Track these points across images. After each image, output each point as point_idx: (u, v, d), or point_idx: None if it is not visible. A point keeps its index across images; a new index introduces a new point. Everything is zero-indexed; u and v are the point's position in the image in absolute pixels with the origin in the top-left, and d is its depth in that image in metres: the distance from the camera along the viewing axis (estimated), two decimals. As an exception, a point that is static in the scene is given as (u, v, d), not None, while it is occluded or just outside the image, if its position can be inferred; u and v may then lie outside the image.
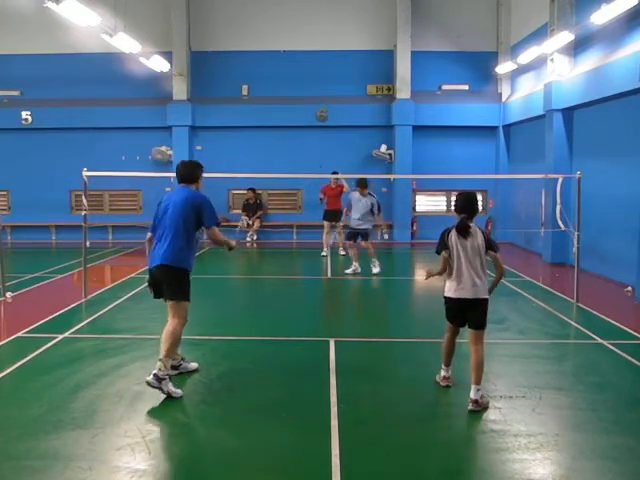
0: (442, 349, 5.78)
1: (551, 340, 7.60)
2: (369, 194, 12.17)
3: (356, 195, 12.31)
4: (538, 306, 9.38)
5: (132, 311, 8.99)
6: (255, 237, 17.92)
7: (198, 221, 5.64)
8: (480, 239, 5.33)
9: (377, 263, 12.25)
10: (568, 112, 13.44)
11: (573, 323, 8.40)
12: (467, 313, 5.41)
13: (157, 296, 5.77)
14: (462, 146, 18.08)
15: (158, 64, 16.33)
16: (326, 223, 14.65)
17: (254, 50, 18.01)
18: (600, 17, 10.51)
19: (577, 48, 13.10)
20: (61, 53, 17.63)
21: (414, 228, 18.09)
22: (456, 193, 5.57)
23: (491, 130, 18.24)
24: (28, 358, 6.51)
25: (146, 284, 5.87)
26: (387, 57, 18.07)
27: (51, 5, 10.42)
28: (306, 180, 16.63)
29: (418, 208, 18.58)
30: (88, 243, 9.85)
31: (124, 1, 14.25)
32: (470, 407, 5.16)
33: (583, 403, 5.47)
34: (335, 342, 7.18)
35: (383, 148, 17.88)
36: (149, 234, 5.98)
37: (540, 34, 14.49)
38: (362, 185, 12.14)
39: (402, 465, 4.28)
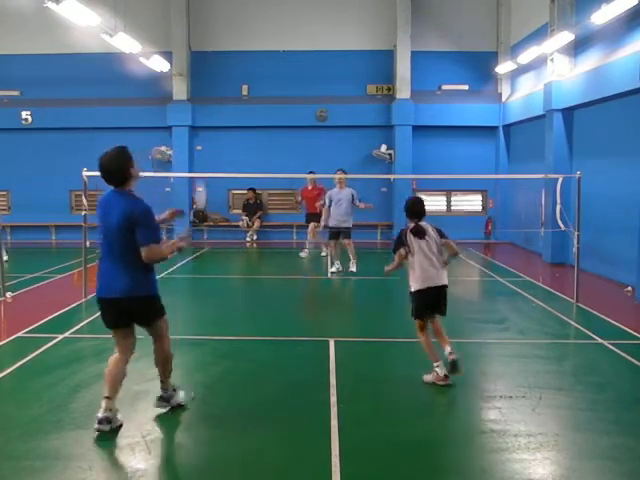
0: (425, 348, 6.00)
1: (551, 340, 7.60)
2: (346, 186, 12.32)
3: (335, 191, 12.34)
4: (538, 306, 9.37)
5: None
6: (255, 237, 17.92)
7: (133, 238, 4.56)
8: (434, 233, 5.98)
9: (355, 263, 12.31)
10: (568, 112, 13.44)
11: (573, 323, 8.40)
12: (434, 300, 5.94)
13: (112, 326, 4.86)
14: (462, 146, 18.07)
15: (158, 64, 16.33)
16: (312, 224, 14.43)
17: (254, 50, 18.00)
18: (600, 17, 10.51)
19: (577, 48, 13.10)
20: (61, 53, 17.62)
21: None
22: (408, 199, 6.19)
23: (491, 130, 18.24)
24: (28, 358, 6.51)
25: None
26: (387, 57, 18.07)
27: (51, 5, 10.42)
28: (306, 180, 16.63)
29: (418, 208, 18.54)
30: (88, 243, 9.85)
31: (124, 1, 14.24)
32: (454, 357, 5.75)
33: (583, 403, 5.47)
34: (335, 342, 7.17)
35: (383, 148, 17.88)
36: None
37: (540, 34, 14.49)
38: (342, 178, 12.17)
39: (402, 465, 4.28)
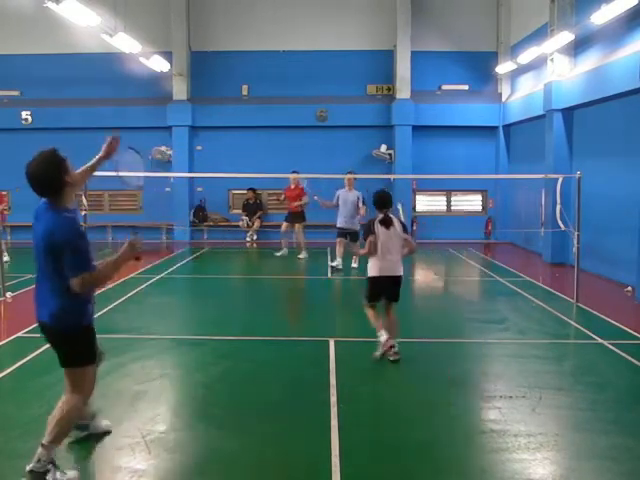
0: (370, 320, 6.63)
1: (551, 340, 7.60)
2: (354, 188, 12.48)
3: (343, 191, 12.52)
4: (538, 306, 9.37)
5: (132, 311, 9.00)
6: (255, 237, 17.92)
7: (60, 265, 3.74)
8: (398, 227, 6.53)
9: (356, 259, 12.73)
10: (568, 112, 13.45)
11: (573, 323, 8.40)
12: (389, 288, 6.53)
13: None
14: (462, 146, 18.07)
15: (158, 64, 16.34)
16: (284, 224, 14.77)
17: (254, 50, 18.00)
18: (600, 17, 10.51)
19: (577, 48, 13.11)
20: (61, 53, 17.63)
21: (414, 228, 18.07)
22: (375, 193, 6.66)
23: (491, 130, 18.24)
24: (28, 358, 6.51)
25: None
26: (387, 57, 18.07)
27: (51, 5, 10.43)
28: (305, 180, 16.63)
29: (418, 208, 18.56)
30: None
31: (124, 1, 14.25)
32: (394, 350, 6.40)
33: (583, 403, 5.47)
34: (335, 342, 7.18)
35: (383, 148, 17.88)
36: None
37: (540, 34, 14.49)
38: (350, 179, 12.31)
39: (402, 465, 4.28)
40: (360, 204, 12.33)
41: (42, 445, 3.88)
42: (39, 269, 3.91)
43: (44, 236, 3.72)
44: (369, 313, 6.70)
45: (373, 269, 6.54)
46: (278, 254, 14.79)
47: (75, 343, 3.94)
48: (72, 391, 4.01)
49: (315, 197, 13.34)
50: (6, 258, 13.07)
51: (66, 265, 3.68)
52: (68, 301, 3.83)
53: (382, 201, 6.59)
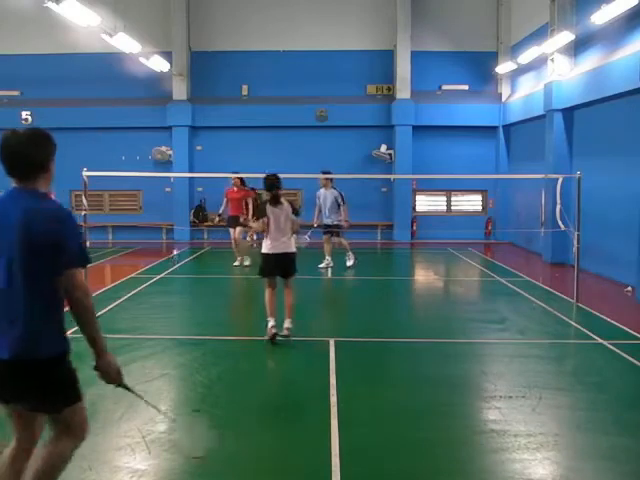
0: (266, 304, 7.09)
1: (551, 340, 7.60)
2: (332, 188, 12.52)
3: (321, 192, 12.66)
4: (538, 306, 9.37)
5: (132, 311, 8.99)
6: (255, 237, 17.89)
7: (54, 260, 2.84)
8: (288, 208, 7.15)
9: (351, 255, 12.78)
10: (568, 112, 13.44)
11: (573, 323, 8.40)
12: (280, 265, 7.13)
13: (4, 400, 2.98)
14: (462, 146, 18.07)
15: (158, 64, 16.34)
16: (236, 229, 13.02)
17: (254, 50, 18.01)
18: (600, 17, 10.51)
19: (577, 48, 13.10)
20: (61, 53, 17.63)
21: (414, 228, 18.09)
22: (264, 177, 7.29)
23: (491, 130, 18.24)
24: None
25: None
26: (387, 57, 18.07)
27: (51, 5, 10.43)
28: (306, 180, 16.64)
29: (418, 208, 18.58)
30: (88, 243, 9.86)
31: (124, 1, 14.26)
32: (285, 333, 7.04)
33: (583, 403, 5.47)
34: (335, 342, 7.18)
35: (383, 148, 17.88)
36: None
37: (540, 34, 14.49)
38: (325, 178, 12.45)
39: (402, 465, 4.28)
40: (341, 202, 12.43)
41: None
42: (15, 285, 2.83)
43: (33, 223, 2.83)
44: (267, 296, 7.16)
45: (266, 247, 7.16)
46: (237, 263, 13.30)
47: (64, 369, 3.00)
48: (69, 433, 3.08)
49: (307, 237, 12.15)
50: None
51: (67, 255, 2.84)
52: (51, 317, 2.90)
53: (270, 183, 7.19)
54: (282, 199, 7.23)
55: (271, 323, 7.07)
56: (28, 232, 2.83)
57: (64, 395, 3.00)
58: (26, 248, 2.83)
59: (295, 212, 7.32)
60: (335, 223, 12.49)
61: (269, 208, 7.12)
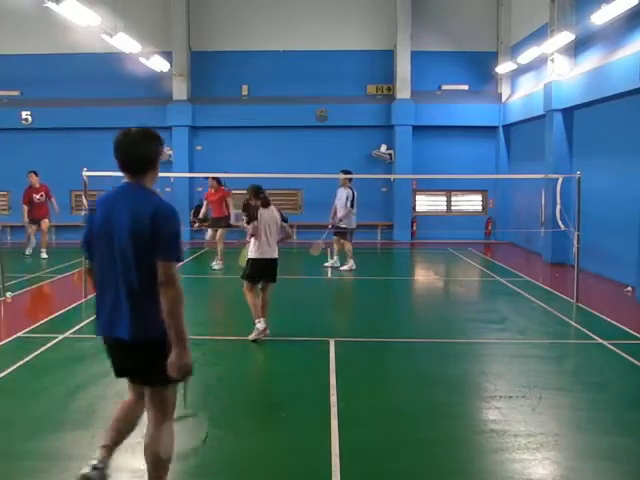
0: (250, 306, 7.17)
1: (551, 340, 7.60)
2: (349, 187, 12.47)
3: (338, 190, 12.66)
4: (538, 306, 9.37)
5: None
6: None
7: (155, 251, 3.20)
8: (277, 215, 7.33)
9: (351, 263, 12.54)
10: (568, 112, 13.44)
11: (573, 323, 8.40)
12: (267, 270, 7.25)
13: (122, 374, 3.54)
14: (462, 146, 18.07)
15: (158, 64, 16.34)
16: (217, 231, 12.92)
17: (254, 50, 18.01)
18: (600, 17, 10.51)
19: (577, 48, 13.10)
20: (61, 53, 17.63)
21: (414, 228, 18.09)
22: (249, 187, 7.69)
23: (491, 130, 18.24)
24: (28, 358, 6.50)
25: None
26: (387, 57, 18.07)
27: (51, 5, 10.43)
28: (306, 180, 16.66)
29: (418, 208, 18.58)
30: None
31: (124, 1, 14.26)
32: (265, 334, 7.13)
33: (583, 403, 5.47)
34: (335, 342, 7.18)
35: (383, 148, 17.88)
36: (87, 264, 3.82)
37: (540, 34, 14.49)
38: (341, 178, 12.41)
39: (402, 465, 4.28)
40: (348, 203, 12.36)
41: None
42: (128, 276, 3.25)
43: (142, 216, 3.19)
44: (249, 299, 7.22)
45: (253, 252, 7.26)
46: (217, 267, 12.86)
47: (165, 351, 3.26)
48: (164, 415, 3.42)
49: (320, 241, 12.28)
50: (44, 255, 14.30)
51: (161, 246, 3.17)
52: (156, 305, 3.21)
53: (255, 189, 7.55)
54: (272, 206, 7.44)
55: (263, 325, 7.17)
56: (137, 222, 3.20)
57: (161, 374, 3.27)
58: (136, 237, 3.20)
59: (283, 219, 7.46)
60: (340, 226, 12.40)
61: (261, 215, 7.26)
